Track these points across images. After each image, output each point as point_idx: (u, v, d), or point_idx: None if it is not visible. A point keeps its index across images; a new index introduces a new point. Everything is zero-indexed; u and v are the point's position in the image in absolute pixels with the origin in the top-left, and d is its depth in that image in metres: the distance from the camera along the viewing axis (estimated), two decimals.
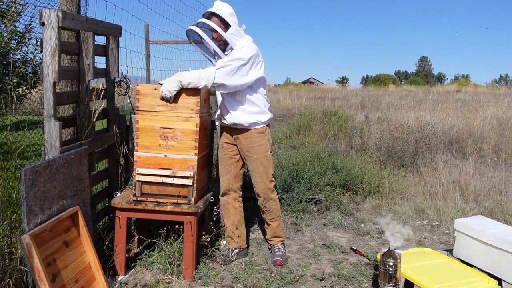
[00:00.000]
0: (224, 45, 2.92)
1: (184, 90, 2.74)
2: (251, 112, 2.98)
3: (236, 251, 3.18)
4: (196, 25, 2.86)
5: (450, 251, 3.12)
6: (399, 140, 6.42)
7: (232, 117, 2.99)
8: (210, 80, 2.73)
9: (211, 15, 2.86)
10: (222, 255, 3.11)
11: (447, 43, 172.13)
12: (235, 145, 3.12)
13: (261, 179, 3.09)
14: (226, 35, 2.84)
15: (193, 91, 2.75)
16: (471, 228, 2.91)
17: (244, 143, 3.06)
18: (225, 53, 2.92)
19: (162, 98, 2.73)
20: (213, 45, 2.89)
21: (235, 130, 3.06)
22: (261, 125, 3.04)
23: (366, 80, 73.45)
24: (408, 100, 15.21)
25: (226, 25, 2.86)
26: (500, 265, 2.70)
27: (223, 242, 3.35)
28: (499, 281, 2.67)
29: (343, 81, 79.10)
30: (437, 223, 4.10)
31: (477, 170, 5.71)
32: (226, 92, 2.91)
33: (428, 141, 6.60)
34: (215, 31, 2.85)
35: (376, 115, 9.93)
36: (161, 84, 2.74)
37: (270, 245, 3.28)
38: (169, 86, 2.69)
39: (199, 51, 3.07)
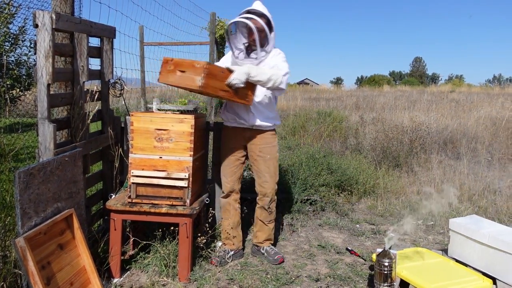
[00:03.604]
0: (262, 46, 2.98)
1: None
2: (271, 117, 3.12)
3: (232, 252, 3.17)
4: (248, 19, 2.86)
5: (445, 251, 3.14)
6: (394, 140, 6.45)
7: (255, 119, 3.05)
8: (277, 83, 2.84)
9: (261, 16, 2.88)
10: (218, 256, 3.10)
11: (441, 44, 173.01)
12: (244, 146, 3.14)
13: (271, 179, 3.15)
14: (270, 38, 2.94)
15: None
16: (466, 228, 2.93)
17: (258, 143, 3.11)
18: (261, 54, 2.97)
19: (229, 85, 2.73)
20: (258, 44, 2.90)
21: (248, 130, 3.09)
22: (274, 128, 3.18)
23: (360, 81, 73.65)
24: (403, 100, 15.26)
25: (270, 29, 2.92)
26: (494, 264, 2.72)
27: (219, 244, 3.34)
28: (494, 280, 2.68)
29: (338, 81, 79.31)
30: (432, 223, 4.12)
31: (471, 170, 5.74)
32: (269, 96, 3.05)
33: (422, 141, 6.63)
34: (262, 31, 2.88)
35: (371, 115, 9.95)
36: (230, 70, 2.71)
37: (262, 248, 3.26)
38: (241, 77, 2.71)
39: (228, 43, 3.05)
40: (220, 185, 3.54)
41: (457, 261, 2.95)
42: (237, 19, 2.87)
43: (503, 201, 4.52)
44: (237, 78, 2.69)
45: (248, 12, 2.91)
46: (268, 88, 2.91)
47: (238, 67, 2.75)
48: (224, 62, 3.09)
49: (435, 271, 2.74)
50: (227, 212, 3.22)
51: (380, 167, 5.59)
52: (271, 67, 2.94)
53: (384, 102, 14.60)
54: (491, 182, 5.18)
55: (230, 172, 3.17)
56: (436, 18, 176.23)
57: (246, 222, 3.90)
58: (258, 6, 2.94)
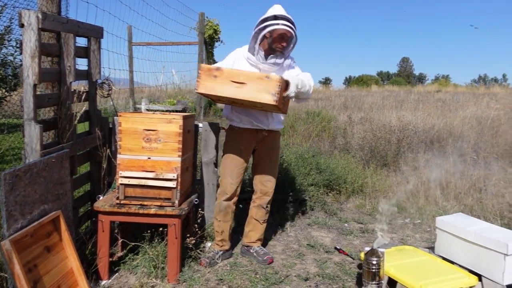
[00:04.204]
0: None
1: None
2: (281, 120, 3.22)
3: (221, 252, 3.17)
4: (291, 29, 2.86)
5: (432, 249, 3.17)
6: (382, 140, 6.50)
7: (273, 123, 3.10)
8: (310, 95, 2.96)
9: (293, 24, 2.88)
10: (207, 257, 3.10)
11: (427, 44, 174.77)
12: (254, 149, 3.16)
13: (273, 179, 3.21)
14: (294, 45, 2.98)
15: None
16: (452, 226, 2.96)
17: (269, 143, 3.16)
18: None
19: (287, 97, 2.74)
20: (287, 52, 2.98)
21: (261, 132, 3.10)
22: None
23: (349, 81, 74.00)
24: (390, 100, 15.38)
25: (296, 36, 2.96)
26: (480, 261, 2.75)
27: (208, 244, 3.34)
28: (479, 277, 2.72)
29: (326, 82, 79.59)
30: (419, 221, 4.17)
31: (457, 169, 5.80)
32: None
33: (409, 141, 6.70)
34: (295, 42, 2.95)
35: (359, 115, 10.02)
36: (287, 82, 2.70)
37: (252, 248, 3.26)
38: (295, 89, 2.73)
39: (255, 45, 2.95)
40: (210, 187, 3.54)
41: (443, 258, 2.99)
42: (282, 27, 2.81)
43: (489, 199, 4.59)
44: (293, 90, 2.72)
45: (286, 19, 2.85)
46: (302, 99, 2.97)
47: (291, 78, 2.74)
48: (234, 62, 3.01)
49: (422, 269, 2.77)
50: (227, 215, 3.17)
51: (368, 167, 5.63)
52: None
53: (372, 102, 14.70)
54: (477, 180, 5.25)
55: (237, 173, 3.12)
56: (423, 19, 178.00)
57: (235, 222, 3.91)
58: (285, 12, 2.90)
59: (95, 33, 3.15)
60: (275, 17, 2.85)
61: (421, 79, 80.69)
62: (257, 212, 3.23)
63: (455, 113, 10.46)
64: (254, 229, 3.27)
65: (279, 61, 2.97)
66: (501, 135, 8.00)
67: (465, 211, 4.23)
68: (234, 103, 2.93)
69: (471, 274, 2.71)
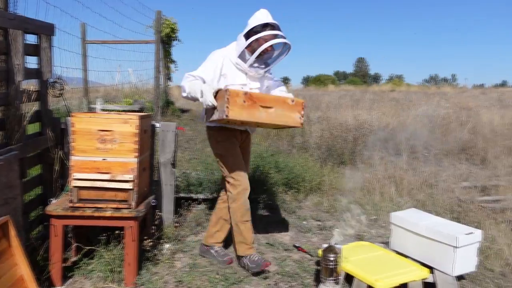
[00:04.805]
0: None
1: None
2: None
3: (259, 255, 3.09)
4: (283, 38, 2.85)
5: (387, 244, 3.27)
6: (339, 138, 6.64)
7: (251, 128, 3.19)
8: None
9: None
10: (254, 261, 2.99)
11: (382, 45, 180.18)
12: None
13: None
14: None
15: None
16: (405, 221, 3.07)
17: (247, 145, 3.22)
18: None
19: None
20: (275, 62, 3.02)
21: (244, 132, 3.14)
22: None
23: (307, 81, 75.08)
24: (347, 99, 15.76)
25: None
26: (431, 254, 2.87)
27: (166, 246, 3.29)
28: (431, 269, 2.84)
29: (284, 81, 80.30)
30: (375, 217, 4.29)
31: (410, 166, 6.02)
32: None
33: (365, 139, 6.88)
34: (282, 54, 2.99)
35: (316, 114, 10.18)
36: (293, 101, 2.75)
37: (213, 248, 3.22)
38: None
39: (253, 53, 2.85)
40: (168, 188, 3.50)
41: (398, 253, 3.09)
42: (284, 40, 2.82)
43: (439, 194, 4.79)
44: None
45: (278, 29, 2.85)
46: None
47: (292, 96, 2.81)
48: (221, 67, 2.94)
49: (377, 264, 2.86)
50: (248, 213, 3.05)
51: (326, 165, 5.73)
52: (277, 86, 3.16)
53: (329, 101, 14.99)
54: (428, 176, 5.48)
55: (244, 170, 3.05)
56: (378, 20, 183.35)
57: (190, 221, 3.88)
58: (272, 18, 2.89)
59: (45, 30, 3.03)
60: (277, 29, 2.85)
61: (376, 79, 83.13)
62: (227, 213, 3.18)
63: (408, 112, 10.84)
64: (221, 230, 3.22)
65: (256, 65, 2.97)
66: (450, 132, 8.37)
67: (418, 206, 4.39)
68: (258, 126, 3.09)
69: (424, 267, 2.82)
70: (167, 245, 3.30)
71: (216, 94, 2.69)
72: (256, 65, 2.96)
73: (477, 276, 2.95)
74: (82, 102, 9.22)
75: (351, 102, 14.19)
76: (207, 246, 3.24)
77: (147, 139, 3.09)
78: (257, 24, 2.84)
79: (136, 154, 2.72)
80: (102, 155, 2.70)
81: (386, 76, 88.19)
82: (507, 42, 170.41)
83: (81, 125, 2.68)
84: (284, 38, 2.85)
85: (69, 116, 2.94)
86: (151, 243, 3.00)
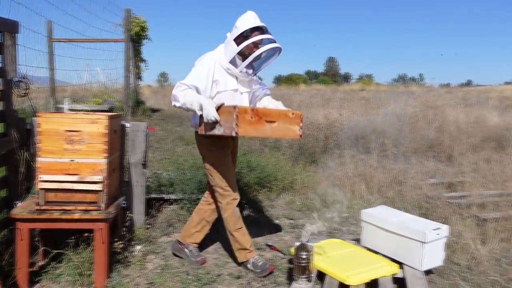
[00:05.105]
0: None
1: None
2: None
3: (260, 258, 3.08)
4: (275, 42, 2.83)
5: (358, 241, 3.33)
6: (310, 137, 6.70)
7: None
8: None
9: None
10: (259, 266, 2.97)
11: (352, 45, 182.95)
12: None
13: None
14: None
15: None
16: (376, 218, 3.13)
17: (236, 145, 3.21)
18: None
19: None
20: (265, 65, 3.02)
21: (232, 138, 3.06)
22: None
23: (278, 80, 75.46)
24: (318, 98, 15.94)
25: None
26: (401, 250, 2.94)
27: (138, 247, 3.25)
28: (401, 264, 2.90)
29: None
30: (346, 214, 4.35)
31: (380, 163, 6.14)
32: None
33: (336, 138, 6.97)
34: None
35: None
36: (292, 114, 2.79)
37: (188, 247, 3.20)
38: None
39: (247, 59, 2.82)
40: (139, 188, 3.45)
41: (369, 249, 3.15)
42: (276, 45, 2.82)
43: (408, 191, 4.90)
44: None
45: (268, 32, 2.84)
46: None
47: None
48: (213, 73, 2.87)
49: (349, 260, 2.90)
50: (240, 220, 3.05)
51: (298, 164, 5.78)
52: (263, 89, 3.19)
53: (300, 100, 15.12)
54: (397, 174, 5.59)
55: (234, 178, 3.03)
56: (347, 20, 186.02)
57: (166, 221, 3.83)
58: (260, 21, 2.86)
59: (9, 27, 2.93)
60: (261, 31, 2.82)
61: (346, 78, 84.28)
62: (211, 215, 3.16)
63: (377, 111, 11.05)
64: (201, 231, 3.18)
65: (250, 71, 2.97)
66: (418, 131, 8.58)
67: (388, 203, 4.47)
68: (262, 138, 3.08)
69: (393, 263, 2.88)
70: (138, 247, 3.26)
71: (219, 108, 2.61)
72: (245, 70, 2.92)
73: (444, 270, 3.04)
74: (48, 102, 8.97)
75: (322, 101, 14.36)
76: (182, 244, 3.21)
77: (117, 139, 3.03)
78: (246, 28, 2.77)
79: (106, 154, 2.67)
80: (70, 156, 2.64)
81: (356, 76, 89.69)
82: (472, 43, 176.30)
83: (47, 125, 2.61)
84: (275, 41, 2.83)
85: (35, 116, 2.86)
86: (122, 245, 2.95)
